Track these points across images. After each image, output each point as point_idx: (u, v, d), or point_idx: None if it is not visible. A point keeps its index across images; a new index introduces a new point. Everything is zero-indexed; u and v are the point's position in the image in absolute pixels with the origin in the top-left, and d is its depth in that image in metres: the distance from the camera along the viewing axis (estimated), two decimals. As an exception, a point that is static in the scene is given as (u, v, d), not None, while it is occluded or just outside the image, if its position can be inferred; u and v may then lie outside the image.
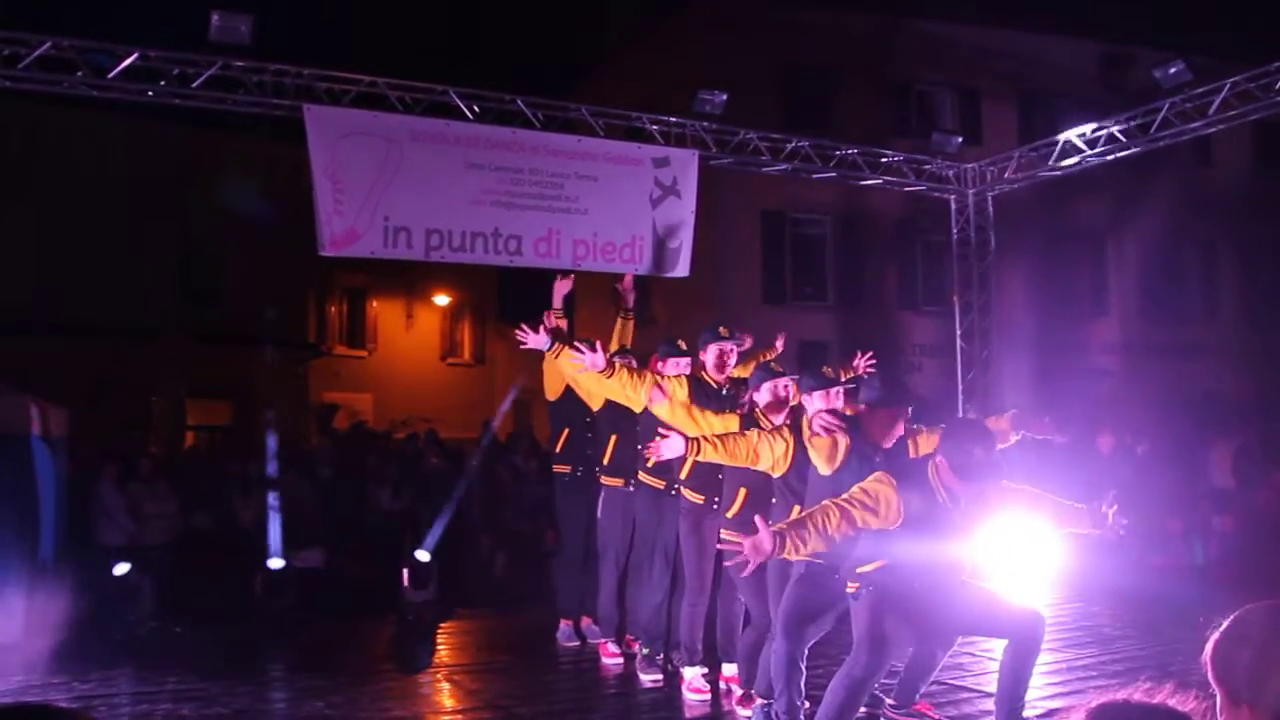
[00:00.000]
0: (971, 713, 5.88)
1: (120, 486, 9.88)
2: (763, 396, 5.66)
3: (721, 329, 6.35)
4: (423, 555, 9.17)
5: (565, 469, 7.47)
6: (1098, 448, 11.53)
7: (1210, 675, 1.70)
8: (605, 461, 7.04)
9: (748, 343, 6.74)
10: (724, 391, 6.18)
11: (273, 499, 9.16)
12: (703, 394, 6.14)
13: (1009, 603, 4.98)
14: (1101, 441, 11.49)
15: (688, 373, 6.41)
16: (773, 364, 5.82)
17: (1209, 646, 1.71)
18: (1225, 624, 1.71)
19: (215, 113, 9.47)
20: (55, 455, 8.38)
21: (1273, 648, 1.65)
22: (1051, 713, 5.77)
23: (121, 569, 8.63)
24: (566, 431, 7.39)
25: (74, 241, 18.03)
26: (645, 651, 6.68)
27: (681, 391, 5.87)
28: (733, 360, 6.31)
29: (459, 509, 11.39)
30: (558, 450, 7.49)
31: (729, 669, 6.20)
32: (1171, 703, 1.61)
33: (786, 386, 5.65)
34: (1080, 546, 10.51)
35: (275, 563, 8.99)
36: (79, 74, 8.52)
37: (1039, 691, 6.35)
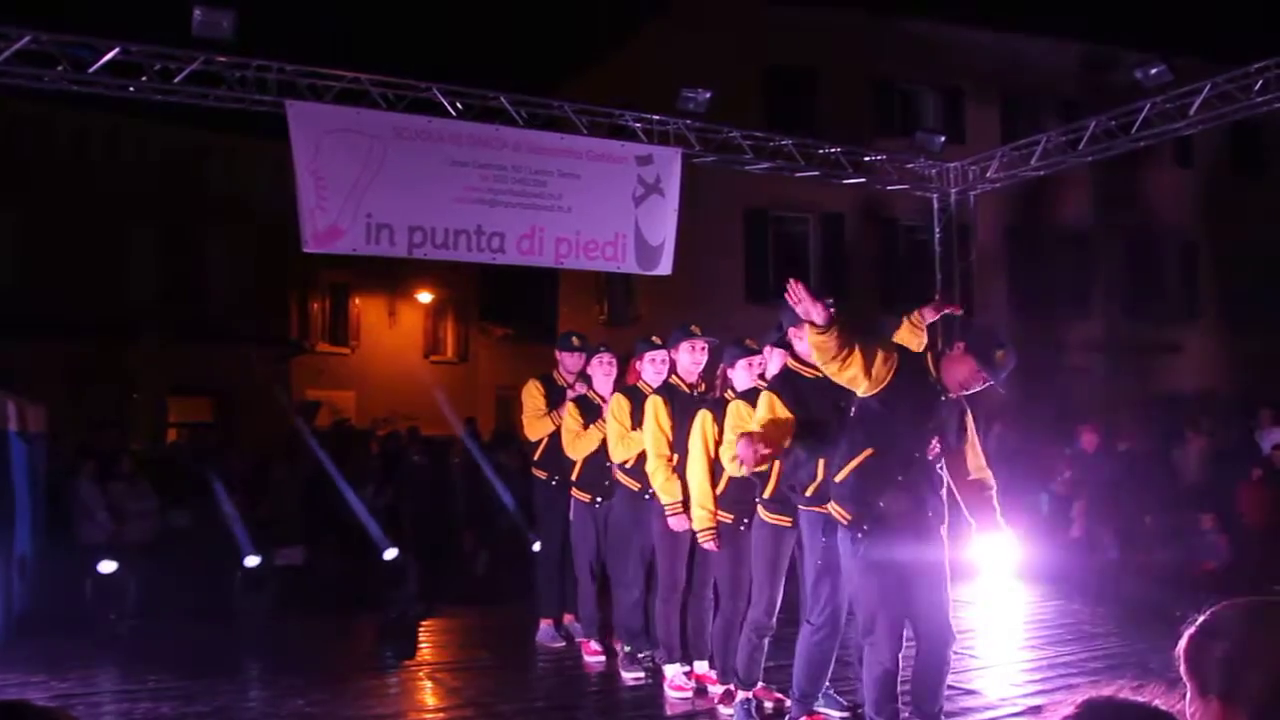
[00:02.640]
0: (952, 710, 5.88)
1: (99, 484, 9.82)
2: (740, 376, 5.67)
3: (693, 327, 6.30)
4: (390, 554, 9.17)
5: (543, 475, 7.51)
6: (1081, 446, 11.59)
7: (1182, 667, 1.71)
8: (574, 477, 7.10)
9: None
10: (695, 394, 6.19)
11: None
12: (676, 401, 6.14)
13: (950, 607, 4.89)
14: (1085, 440, 11.54)
15: (665, 368, 6.42)
16: (747, 340, 5.80)
17: (1183, 639, 1.73)
18: (1201, 618, 1.73)
19: (197, 108, 9.42)
20: (34, 452, 8.33)
21: (1247, 642, 1.66)
22: (1033, 709, 5.79)
23: (108, 567, 8.56)
24: (546, 440, 7.42)
25: (54, 237, 17.93)
26: (627, 649, 6.69)
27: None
28: (704, 359, 6.24)
29: (442, 506, 11.40)
30: (536, 457, 7.55)
31: (700, 666, 6.25)
32: (1158, 703, 1.62)
33: (762, 363, 5.66)
34: (1063, 544, 10.59)
35: (251, 560, 8.97)
36: (60, 68, 8.47)
37: (1021, 689, 6.39)
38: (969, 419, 4.98)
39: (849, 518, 4.68)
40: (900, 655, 4.77)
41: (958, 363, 4.61)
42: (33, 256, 17.70)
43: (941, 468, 4.83)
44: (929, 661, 4.81)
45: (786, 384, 5.20)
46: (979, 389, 4.65)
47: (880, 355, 4.62)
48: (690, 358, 6.24)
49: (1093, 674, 6.53)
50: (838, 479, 4.74)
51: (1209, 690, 1.66)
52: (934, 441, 4.73)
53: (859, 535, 4.63)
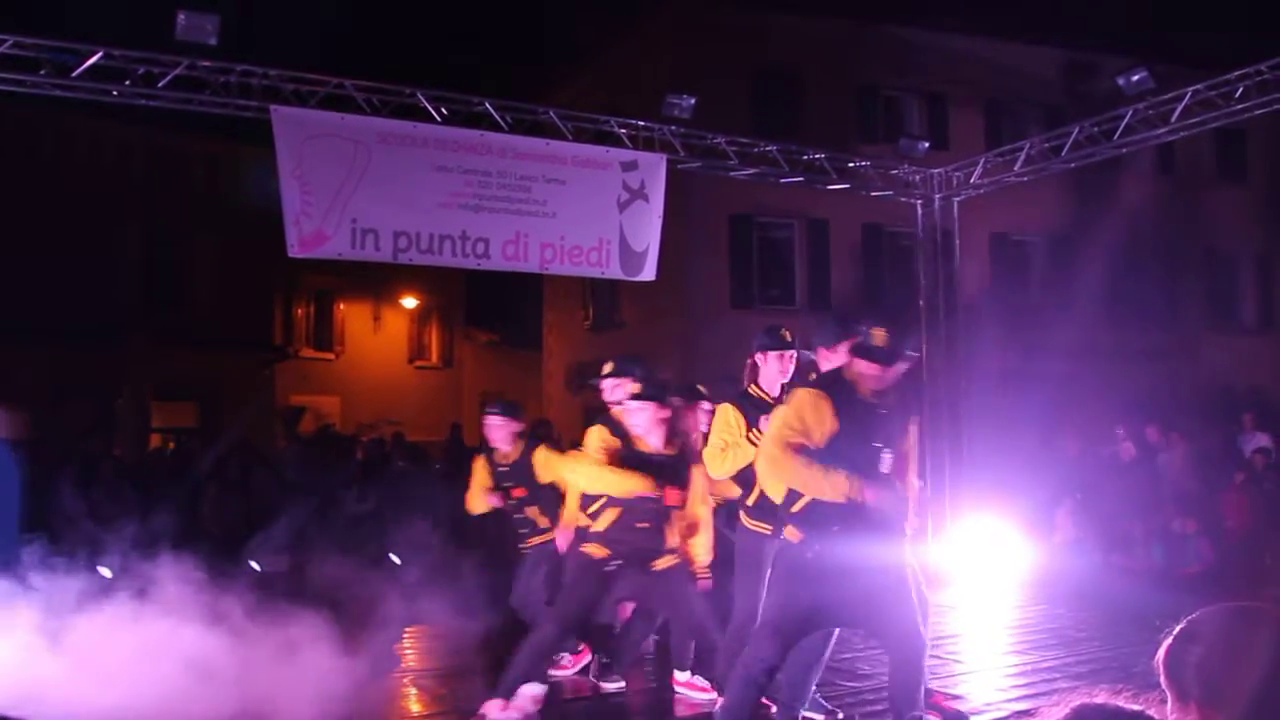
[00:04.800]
0: (937, 715, 5.90)
1: (81, 490, 9.77)
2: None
3: (784, 332, 5.71)
4: (396, 559, 9.15)
5: None
6: (1065, 451, 11.64)
7: (1162, 676, 1.72)
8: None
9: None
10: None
11: None
12: (751, 409, 5.58)
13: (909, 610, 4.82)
14: (1070, 445, 11.59)
15: (626, 395, 5.80)
16: (699, 385, 5.93)
17: (1161, 648, 1.74)
18: (1179, 626, 1.74)
19: (181, 113, 9.38)
20: (16, 459, 8.27)
21: (1223, 646, 1.67)
22: (1019, 714, 5.80)
23: (106, 572, 8.50)
24: None
25: (37, 241, 17.83)
26: (604, 661, 6.68)
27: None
28: (791, 368, 5.66)
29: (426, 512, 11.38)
30: None
31: (681, 676, 6.26)
32: (1151, 712, 1.62)
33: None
34: (1047, 549, 10.62)
35: (255, 565, 8.95)
36: (42, 73, 8.43)
37: (1005, 694, 6.41)
38: (912, 426, 4.96)
39: (800, 537, 4.68)
40: (780, 667, 4.77)
41: (857, 368, 4.65)
42: (16, 261, 17.57)
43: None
44: (901, 668, 4.80)
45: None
46: (899, 374, 4.65)
47: (811, 420, 4.59)
48: (778, 366, 5.68)
49: (1076, 679, 6.55)
50: (794, 509, 4.71)
51: (1188, 697, 1.67)
52: (887, 457, 4.70)
53: (809, 555, 4.63)
